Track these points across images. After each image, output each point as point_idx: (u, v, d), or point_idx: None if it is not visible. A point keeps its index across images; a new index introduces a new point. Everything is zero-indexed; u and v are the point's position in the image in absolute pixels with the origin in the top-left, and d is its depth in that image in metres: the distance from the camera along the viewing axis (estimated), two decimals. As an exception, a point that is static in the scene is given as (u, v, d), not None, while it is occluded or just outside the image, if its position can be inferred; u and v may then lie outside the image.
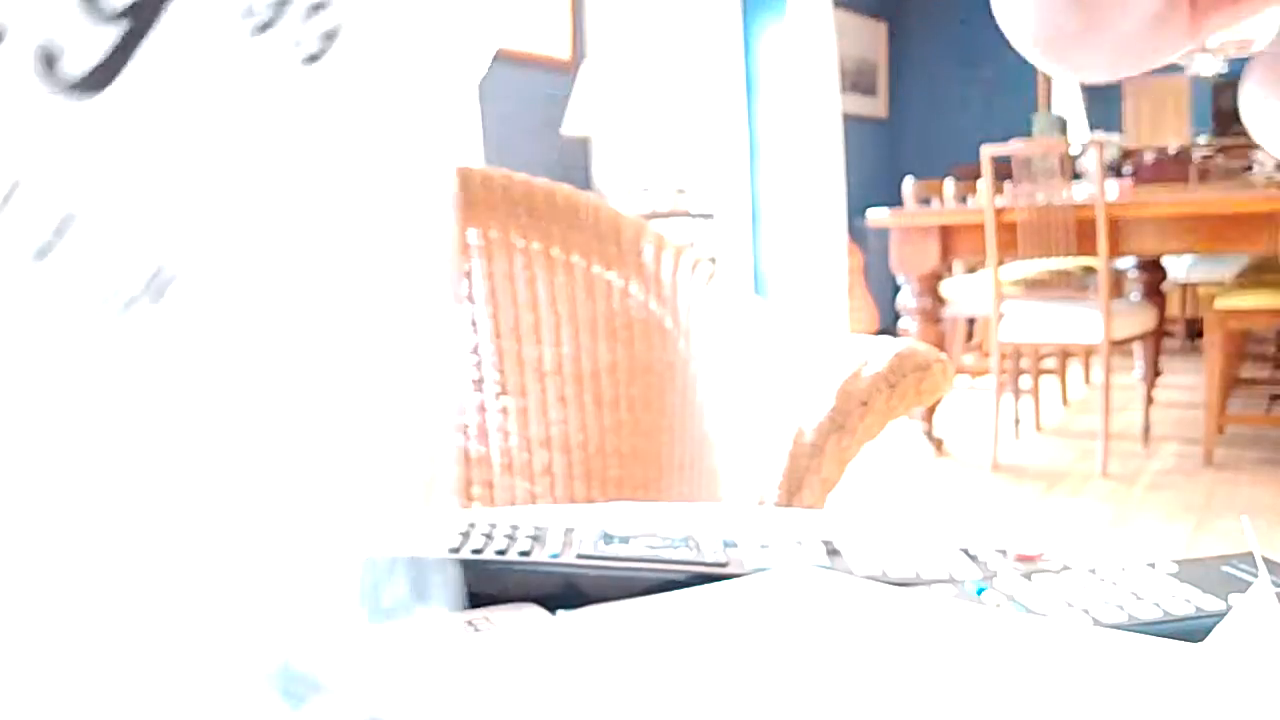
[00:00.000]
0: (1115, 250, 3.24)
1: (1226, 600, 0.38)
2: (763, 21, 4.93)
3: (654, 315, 1.10)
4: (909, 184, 3.91)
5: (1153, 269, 3.96)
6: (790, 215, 4.90)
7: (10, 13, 0.19)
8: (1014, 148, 3.25)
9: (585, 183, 3.66)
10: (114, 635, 0.21)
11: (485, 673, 0.33)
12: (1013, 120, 5.17)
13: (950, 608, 0.37)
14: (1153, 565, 0.42)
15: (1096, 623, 0.37)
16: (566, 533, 0.46)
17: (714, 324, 1.06)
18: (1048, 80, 6.06)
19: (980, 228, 3.33)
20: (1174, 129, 6.07)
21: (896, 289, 3.80)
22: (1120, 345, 3.40)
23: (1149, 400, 3.65)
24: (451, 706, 0.30)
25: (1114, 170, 4.03)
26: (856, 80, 5.95)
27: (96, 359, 0.20)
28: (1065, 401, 4.33)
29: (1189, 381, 4.40)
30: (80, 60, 0.19)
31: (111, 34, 0.19)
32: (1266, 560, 0.39)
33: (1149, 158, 4.40)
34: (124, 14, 0.19)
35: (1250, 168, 4.12)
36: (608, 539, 0.45)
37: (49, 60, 0.19)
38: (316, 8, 0.21)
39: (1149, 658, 0.33)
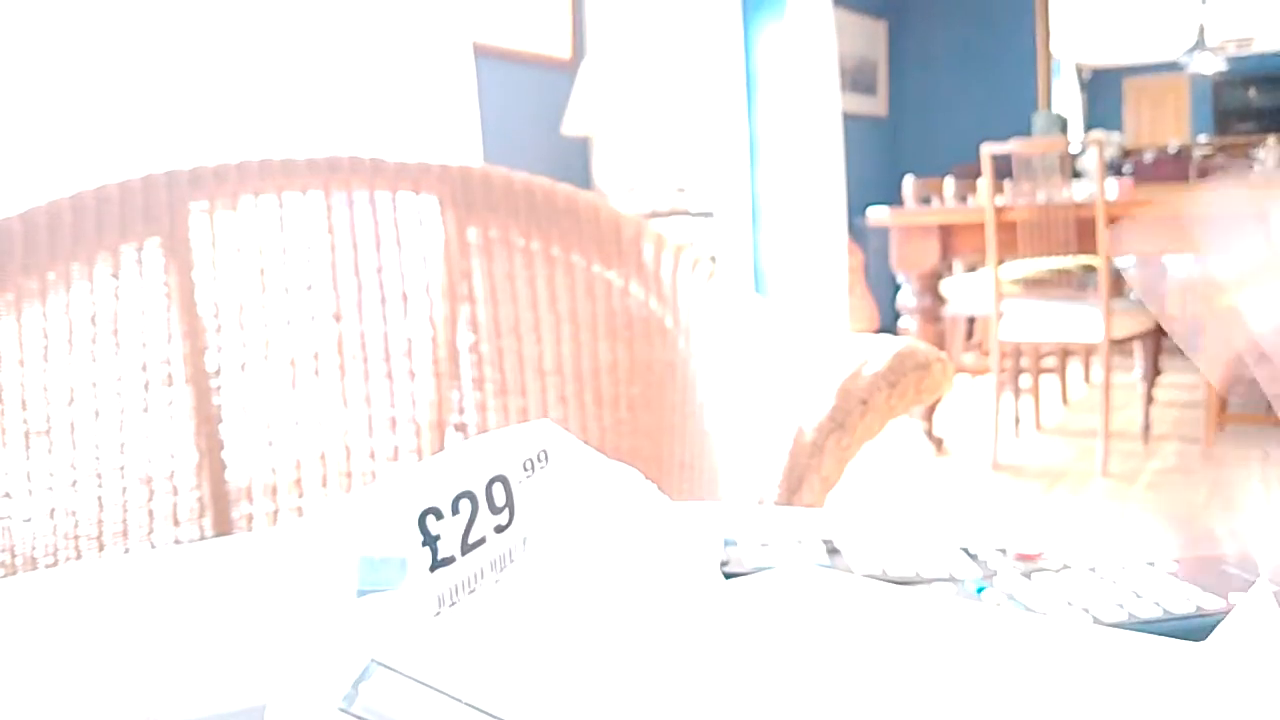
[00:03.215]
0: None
1: (1227, 599, 0.38)
2: (763, 21, 4.93)
3: (654, 314, 1.09)
4: (909, 183, 3.91)
5: (1153, 268, 3.95)
6: (790, 214, 4.89)
7: None
8: (1014, 146, 3.25)
9: (585, 182, 3.65)
10: None
11: (484, 670, 0.33)
12: (1013, 119, 5.16)
13: (950, 607, 0.37)
14: (1153, 564, 0.42)
15: (1097, 621, 0.37)
16: (566, 532, 0.46)
17: (714, 323, 1.06)
18: (1048, 79, 6.06)
19: (980, 227, 3.33)
20: (1174, 128, 6.07)
21: (896, 288, 3.80)
22: (1120, 344, 3.39)
23: (1149, 399, 3.65)
24: (451, 704, 0.30)
25: (1114, 169, 4.04)
26: (856, 79, 5.95)
27: None
28: (1065, 400, 4.33)
29: (1189, 380, 4.40)
30: None
31: None
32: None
33: (1149, 157, 4.41)
34: None
35: (1251, 167, 4.12)
36: (608, 538, 0.45)
37: None
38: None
39: (1149, 656, 0.33)
